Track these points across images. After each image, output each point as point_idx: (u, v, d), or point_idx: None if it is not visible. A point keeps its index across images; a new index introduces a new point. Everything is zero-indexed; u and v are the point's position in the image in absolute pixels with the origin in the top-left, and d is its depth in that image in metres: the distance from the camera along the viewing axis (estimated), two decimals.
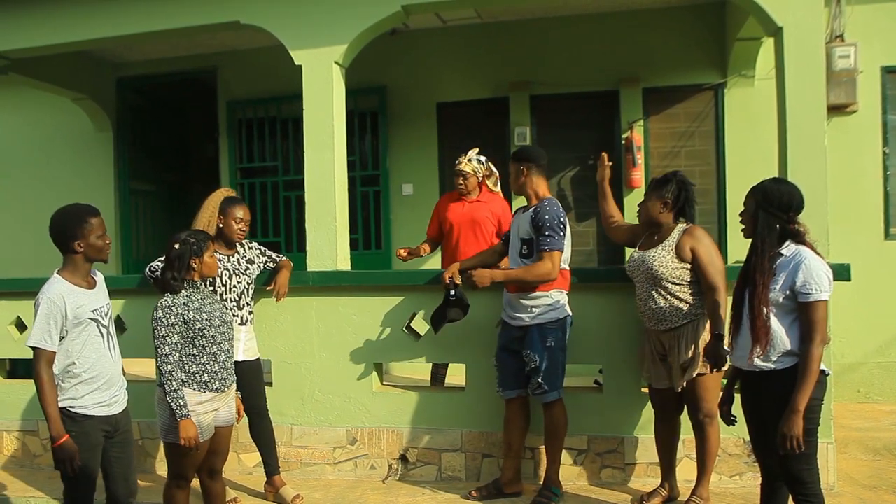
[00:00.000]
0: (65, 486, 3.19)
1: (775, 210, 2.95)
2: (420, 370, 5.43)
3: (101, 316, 3.19)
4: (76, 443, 3.07)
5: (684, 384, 3.70)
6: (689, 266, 3.67)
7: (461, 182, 4.95)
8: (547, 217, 3.84)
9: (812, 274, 2.83)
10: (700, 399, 3.70)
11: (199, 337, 3.35)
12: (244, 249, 4.31)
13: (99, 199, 7.43)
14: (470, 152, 4.99)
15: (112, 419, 3.22)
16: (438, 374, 5.23)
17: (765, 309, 2.88)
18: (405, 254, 5.00)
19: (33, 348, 3.03)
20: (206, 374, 3.38)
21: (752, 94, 6.28)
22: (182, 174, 8.60)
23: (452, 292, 4.09)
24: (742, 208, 3.11)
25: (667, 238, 3.74)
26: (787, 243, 2.94)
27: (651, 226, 3.88)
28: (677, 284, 3.68)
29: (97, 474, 3.19)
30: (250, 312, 4.23)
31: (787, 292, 2.87)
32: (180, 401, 3.27)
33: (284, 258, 4.52)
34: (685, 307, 3.69)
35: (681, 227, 3.77)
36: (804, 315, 2.85)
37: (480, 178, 4.99)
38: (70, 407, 3.09)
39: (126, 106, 7.72)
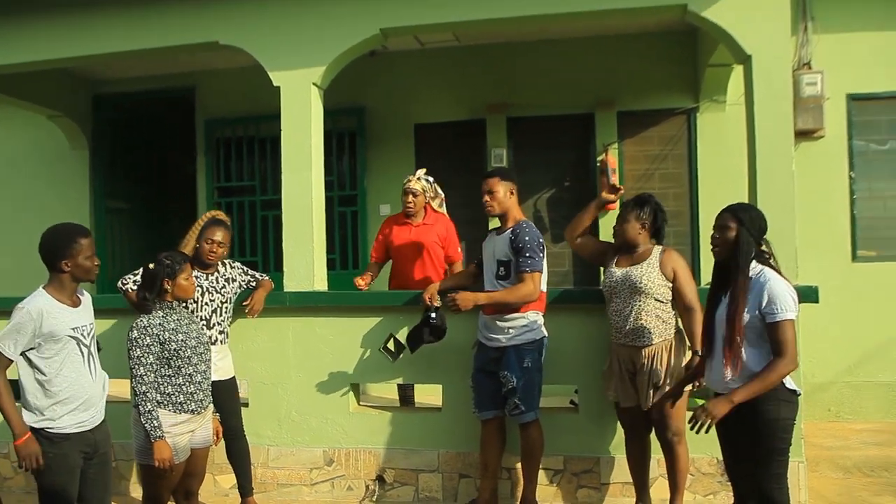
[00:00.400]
0: None
1: (755, 233, 3.03)
2: (393, 391, 5.43)
3: (81, 335, 3.15)
4: (54, 464, 3.03)
5: (651, 403, 3.74)
6: (670, 285, 3.77)
7: (410, 200, 4.93)
8: (527, 238, 3.88)
9: (777, 294, 2.88)
10: (668, 417, 3.74)
11: (174, 358, 3.34)
12: (225, 268, 4.31)
13: (74, 217, 7.16)
14: (418, 171, 5.02)
15: (91, 440, 3.17)
16: (406, 395, 5.20)
17: (741, 332, 2.94)
18: (364, 283, 4.86)
19: None
20: (181, 395, 3.36)
21: (723, 118, 6.42)
22: (159, 192, 8.55)
23: (433, 315, 4.11)
24: (713, 229, 3.17)
25: (648, 257, 3.82)
26: (753, 264, 3.01)
27: (626, 247, 3.94)
28: (661, 302, 3.76)
29: (76, 497, 3.14)
30: (221, 332, 4.21)
31: (756, 312, 2.93)
32: (154, 422, 3.25)
33: (266, 278, 4.52)
34: (663, 325, 3.77)
35: (658, 247, 3.86)
36: (772, 335, 2.90)
37: (427, 200, 5.01)
38: (48, 428, 3.04)
39: (102, 123, 7.68)
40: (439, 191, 5.09)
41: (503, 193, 4.02)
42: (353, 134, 6.99)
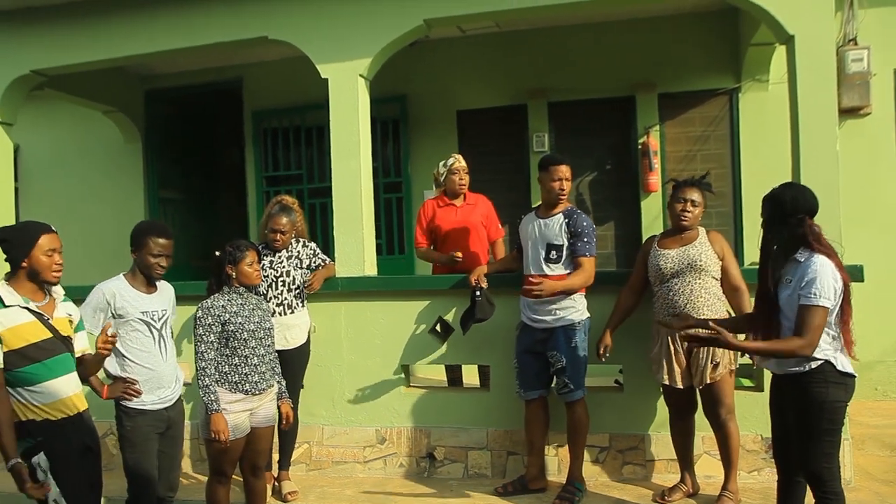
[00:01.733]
0: (128, 482, 3.41)
1: (787, 215, 2.99)
2: (441, 372, 5.57)
3: (152, 319, 3.46)
4: (132, 437, 3.33)
5: (708, 380, 3.81)
6: (720, 264, 3.88)
7: (463, 179, 4.92)
8: (585, 224, 4.04)
9: (817, 279, 2.86)
10: (720, 396, 3.83)
11: (231, 339, 3.54)
12: (298, 247, 4.52)
13: (130, 208, 7.74)
14: (453, 154, 5.05)
15: (164, 416, 3.46)
16: (454, 377, 5.28)
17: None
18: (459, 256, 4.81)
19: None
20: (236, 376, 3.55)
21: (766, 97, 6.38)
22: (209, 182, 8.82)
23: (478, 293, 4.25)
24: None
25: (696, 238, 3.91)
26: (800, 249, 2.98)
27: (674, 230, 4.01)
28: (716, 279, 3.87)
29: (155, 468, 3.41)
30: (279, 304, 4.39)
31: (794, 295, 2.94)
32: (212, 395, 3.46)
33: (331, 262, 4.74)
34: (718, 303, 3.86)
35: (702, 229, 3.95)
36: (799, 315, 2.89)
37: None
38: (125, 402, 3.35)
39: (154, 117, 7.95)
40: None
41: (567, 180, 4.13)
42: (396, 121, 7.12)
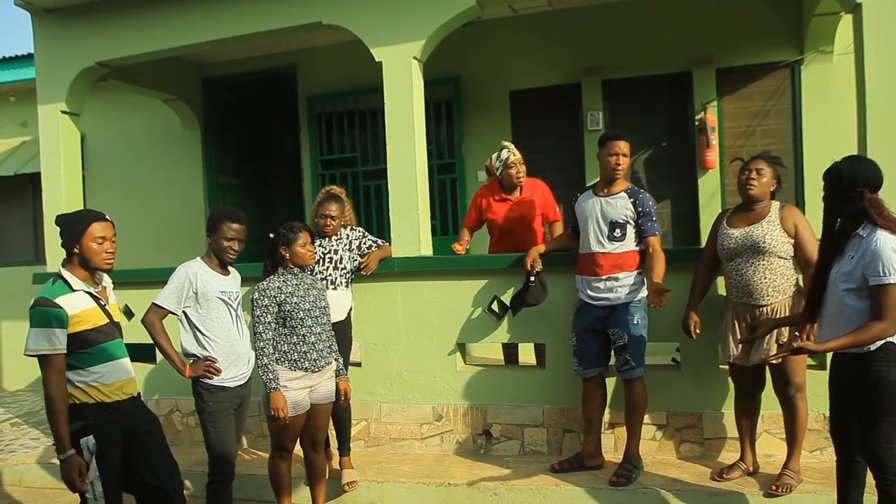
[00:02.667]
0: (209, 456, 3.58)
1: (846, 189, 2.93)
2: (496, 351, 5.63)
3: (229, 298, 3.65)
4: (213, 412, 3.50)
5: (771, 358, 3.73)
6: (792, 241, 3.75)
7: (521, 172, 4.90)
8: (650, 203, 4.06)
9: (881, 256, 2.79)
10: (791, 374, 3.76)
11: (288, 318, 3.66)
12: (347, 231, 4.60)
13: (190, 194, 7.98)
14: (505, 143, 5.01)
15: (239, 394, 3.65)
16: (510, 355, 5.33)
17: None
18: (462, 249, 4.99)
19: (155, 304, 3.55)
20: (295, 353, 3.67)
21: (830, 69, 6.19)
22: (265, 168, 9.01)
23: (532, 279, 4.27)
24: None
25: (767, 214, 3.80)
26: (864, 224, 2.92)
27: (744, 204, 3.91)
28: (783, 259, 3.75)
29: (234, 442, 3.62)
30: (322, 279, 4.40)
31: (860, 273, 2.87)
32: (270, 374, 3.59)
33: (386, 244, 4.79)
34: (785, 283, 3.75)
35: (776, 203, 3.83)
36: (873, 297, 2.84)
37: None
38: (206, 379, 3.51)
39: (211, 105, 8.15)
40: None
41: (628, 158, 4.13)
42: (449, 103, 7.15)
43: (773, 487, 3.77)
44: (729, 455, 4.29)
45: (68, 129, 6.01)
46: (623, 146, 4.08)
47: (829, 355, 3.27)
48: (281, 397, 3.57)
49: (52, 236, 5.81)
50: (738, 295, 3.87)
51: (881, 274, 2.79)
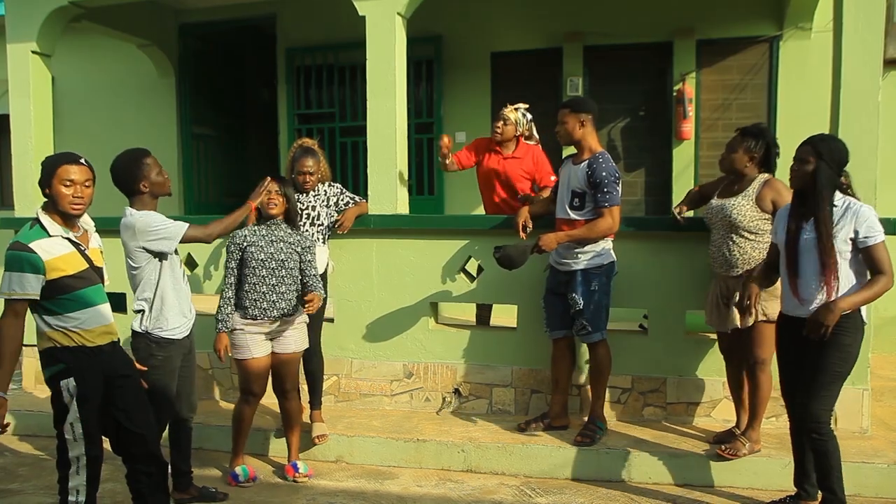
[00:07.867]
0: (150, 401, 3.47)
1: (835, 165, 3.16)
2: (467, 312, 5.70)
3: (177, 252, 3.63)
4: (160, 366, 3.46)
5: (748, 324, 3.79)
6: (767, 217, 3.77)
7: (499, 126, 4.96)
8: (604, 174, 4.00)
9: (868, 221, 3.09)
10: (753, 345, 3.85)
11: (245, 267, 3.85)
12: (324, 187, 4.58)
13: (163, 142, 7.82)
14: (519, 104, 5.05)
15: (187, 345, 3.65)
16: (483, 316, 5.40)
17: (834, 257, 3.10)
18: (447, 147, 4.95)
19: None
20: (246, 301, 3.87)
21: (808, 46, 6.25)
22: (241, 120, 8.87)
23: (531, 248, 4.11)
24: (793, 161, 3.25)
25: (747, 188, 3.83)
26: (836, 194, 3.17)
27: (731, 177, 3.97)
28: (754, 233, 3.79)
29: (175, 392, 3.61)
30: None
31: (848, 240, 3.10)
32: (220, 315, 3.85)
33: (363, 200, 4.79)
34: (757, 256, 3.80)
35: (761, 178, 3.84)
36: (871, 256, 3.10)
37: (518, 133, 5.02)
38: (158, 331, 3.48)
39: (188, 52, 7.96)
40: (534, 132, 5.08)
41: (572, 125, 4.13)
42: (430, 62, 7.09)
43: (721, 448, 3.91)
44: (689, 419, 4.47)
45: (39, 70, 5.83)
46: (560, 115, 4.18)
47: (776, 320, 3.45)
48: (224, 337, 3.82)
49: (20, 181, 5.70)
50: (715, 265, 3.99)
51: (869, 236, 3.08)
